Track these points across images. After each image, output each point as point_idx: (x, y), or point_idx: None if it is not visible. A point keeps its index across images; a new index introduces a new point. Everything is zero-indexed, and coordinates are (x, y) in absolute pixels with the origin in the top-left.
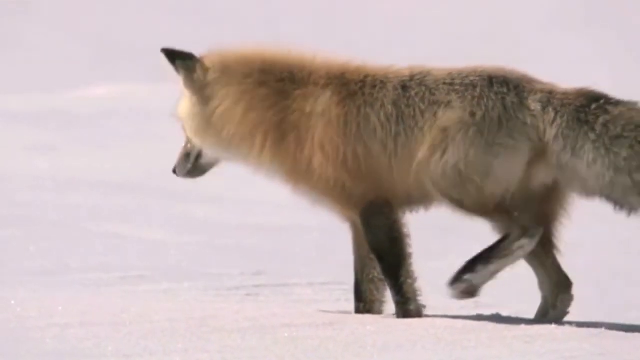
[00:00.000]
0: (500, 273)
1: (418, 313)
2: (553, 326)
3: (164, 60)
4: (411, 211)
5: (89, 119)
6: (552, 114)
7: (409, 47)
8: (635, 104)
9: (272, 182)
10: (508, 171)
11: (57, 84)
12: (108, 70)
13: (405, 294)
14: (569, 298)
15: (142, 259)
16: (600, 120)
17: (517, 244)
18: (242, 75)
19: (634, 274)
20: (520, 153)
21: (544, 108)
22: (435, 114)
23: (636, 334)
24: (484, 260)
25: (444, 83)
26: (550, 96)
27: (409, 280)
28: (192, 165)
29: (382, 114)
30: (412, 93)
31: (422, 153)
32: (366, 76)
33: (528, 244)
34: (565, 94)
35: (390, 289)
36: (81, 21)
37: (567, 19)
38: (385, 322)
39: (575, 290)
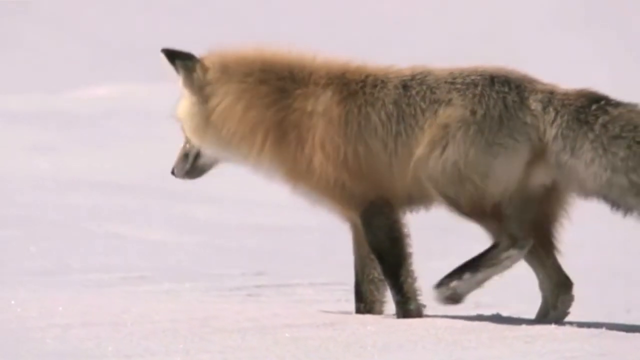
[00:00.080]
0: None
1: (418, 313)
2: (553, 326)
3: (164, 60)
4: (411, 211)
5: (89, 119)
6: (552, 114)
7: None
8: (635, 105)
9: (271, 183)
10: (507, 171)
11: (57, 84)
12: (108, 70)
13: (405, 293)
14: (569, 298)
15: (143, 259)
16: (600, 120)
17: (505, 254)
18: (242, 74)
19: (635, 274)
20: (520, 153)
21: (544, 108)
22: (435, 112)
23: (637, 334)
24: (472, 269)
25: (445, 82)
26: (551, 96)
27: (410, 280)
28: (191, 165)
29: (383, 113)
30: (413, 92)
31: (421, 149)
32: (367, 76)
33: (516, 255)
34: (566, 94)
35: (391, 289)
36: (81, 21)
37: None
38: (386, 322)
39: (575, 291)
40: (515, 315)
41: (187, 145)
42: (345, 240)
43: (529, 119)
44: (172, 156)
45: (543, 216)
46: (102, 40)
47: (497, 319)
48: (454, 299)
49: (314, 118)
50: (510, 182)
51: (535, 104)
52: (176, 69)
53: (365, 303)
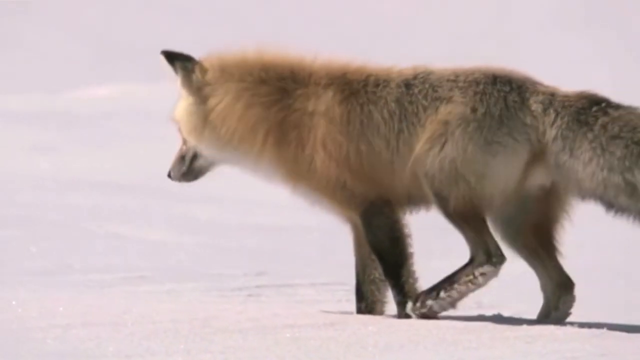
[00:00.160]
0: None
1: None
2: (554, 327)
3: (163, 61)
4: (412, 212)
5: (89, 120)
6: (552, 116)
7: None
8: (635, 108)
9: (270, 183)
10: (505, 170)
11: (57, 84)
12: (108, 70)
13: (406, 294)
14: (571, 299)
15: (143, 259)
16: (600, 121)
17: (479, 270)
18: (242, 74)
19: (635, 275)
20: (519, 153)
21: (545, 109)
22: (437, 110)
23: (638, 335)
24: (447, 287)
25: (448, 80)
26: (552, 98)
27: (411, 280)
28: (187, 167)
29: (385, 111)
30: (416, 90)
31: (420, 146)
32: (369, 75)
33: (491, 272)
34: (567, 96)
35: (392, 289)
36: (82, 21)
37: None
38: (387, 323)
39: (576, 291)
40: (516, 315)
41: (184, 147)
42: (345, 240)
43: (529, 120)
44: (172, 156)
45: (544, 217)
46: (103, 40)
47: (498, 319)
48: (429, 315)
49: (315, 118)
50: (508, 182)
51: (535, 105)
52: (175, 70)
53: (366, 303)
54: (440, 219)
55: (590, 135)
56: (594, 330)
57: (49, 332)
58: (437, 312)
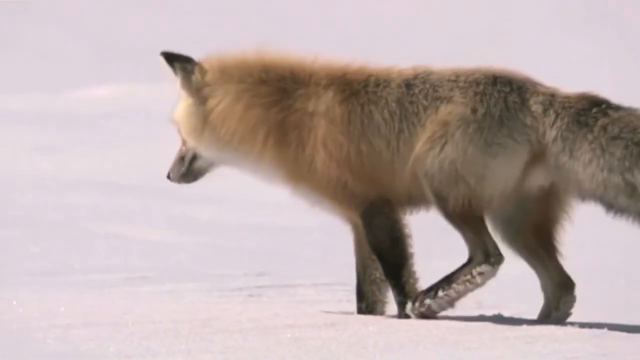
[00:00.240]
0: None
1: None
2: (555, 327)
3: (162, 63)
4: (412, 212)
5: (89, 120)
6: (552, 117)
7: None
8: (636, 110)
9: (270, 184)
10: (505, 172)
11: (57, 84)
12: (109, 70)
13: (407, 294)
14: (571, 299)
15: (144, 259)
16: (599, 122)
17: (477, 270)
18: (242, 74)
19: (636, 275)
20: (518, 154)
21: (545, 110)
22: (437, 110)
23: (638, 335)
24: (446, 287)
25: (448, 80)
26: (552, 99)
27: (411, 281)
28: (186, 168)
29: (386, 112)
30: (416, 90)
31: (420, 146)
32: (369, 76)
33: (489, 272)
34: (567, 97)
35: (392, 289)
36: (82, 21)
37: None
38: (388, 323)
39: (577, 291)
40: (516, 315)
41: (183, 148)
42: (346, 240)
43: (529, 120)
44: (173, 156)
45: (544, 218)
46: (103, 41)
47: (499, 319)
48: (427, 315)
49: (315, 118)
50: (508, 183)
51: (536, 106)
52: (174, 71)
53: (367, 303)
54: (441, 220)
55: (590, 137)
56: (594, 331)
57: (49, 332)
58: (435, 312)
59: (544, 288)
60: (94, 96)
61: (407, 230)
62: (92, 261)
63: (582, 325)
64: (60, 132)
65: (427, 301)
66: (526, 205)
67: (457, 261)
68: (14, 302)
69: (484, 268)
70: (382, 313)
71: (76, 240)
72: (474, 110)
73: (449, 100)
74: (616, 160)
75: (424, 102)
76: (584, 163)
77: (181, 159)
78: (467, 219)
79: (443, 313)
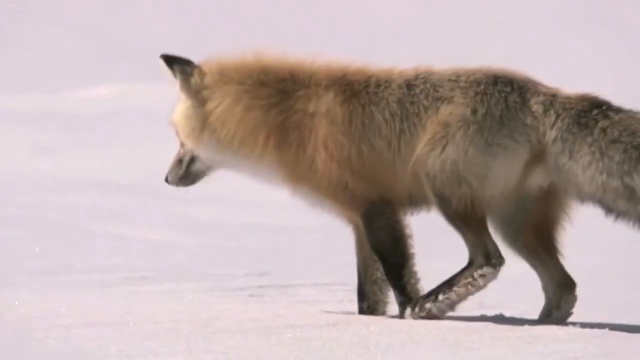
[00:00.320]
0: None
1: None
2: (556, 327)
3: (162, 66)
4: (413, 213)
5: (90, 120)
6: (553, 117)
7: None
8: (636, 113)
9: (270, 185)
10: (506, 172)
11: (57, 84)
12: (109, 70)
13: (408, 294)
14: (572, 299)
15: (144, 259)
16: (600, 125)
17: (479, 272)
18: (241, 77)
19: (636, 275)
20: (519, 154)
21: (545, 111)
22: (438, 110)
23: None
24: (447, 290)
25: (449, 80)
26: (553, 99)
27: (412, 281)
28: (184, 171)
29: (387, 112)
30: (417, 91)
31: (421, 147)
32: (370, 77)
33: (491, 274)
34: (568, 98)
35: (394, 289)
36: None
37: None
38: (389, 323)
39: (578, 292)
40: (518, 315)
41: (182, 151)
42: (347, 241)
43: (529, 121)
44: (173, 156)
45: (544, 218)
46: (103, 41)
47: (500, 319)
48: (429, 318)
49: (316, 119)
50: (508, 183)
51: (536, 106)
52: (174, 73)
53: (368, 304)
54: (441, 220)
55: (590, 139)
56: (596, 331)
57: (51, 333)
58: (436, 316)
59: (545, 288)
60: (94, 96)
61: (408, 231)
62: (93, 261)
63: (584, 325)
64: (60, 132)
65: (428, 305)
66: (526, 205)
67: (458, 261)
68: (16, 302)
69: (485, 270)
70: (383, 313)
71: (76, 241)
72: (475, 111)
73: (450, 100)
74: (615, 164)
75: (425, 102)
76: (583, 166)
77: (179, 162)
78: (468, 221)
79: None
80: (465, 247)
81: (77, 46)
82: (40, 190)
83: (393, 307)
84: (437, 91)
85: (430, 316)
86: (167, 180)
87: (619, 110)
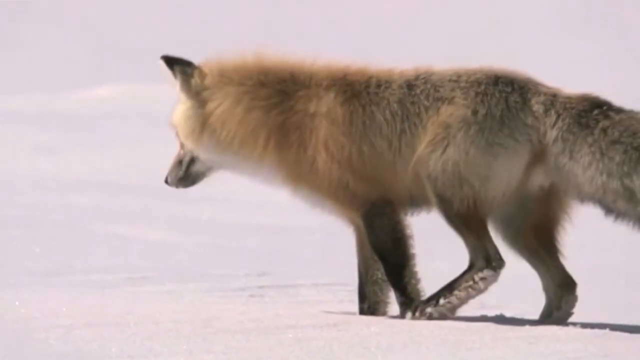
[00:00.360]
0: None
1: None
2: (557, 327)
3: (163, 66)
4: (413, 213)
5: (90, 120)
6: (554, 117)
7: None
8: (637, 113)
9: (270, 185)
10: (507, 172)
11: (58, 84)
12: (109, 70)
13: (409, 294)
14: (573, 299)
15: (145, 259)
16: (600, 125)
17: (479, 275)
18: (241, 78)
19: (636, 275)
20: (520, 154)
21: (546, 110)
22: (438, 110)
23: None
24: (447, 294)
25: (450, 80)
26: (554, 99)
27: (413, 281)
28: (184, 172)
29: (387, 112)
30: (417, 91)
31: (422, 148)
32: (370, 77)
33: (491, 277)
34: (569, 98)
35: (394, 289)
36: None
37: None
38: (390, 323)
39: (578, 292)
40: (518, 315)
41: (182, 152)
42: (347, 241)
43: (530, 120)
44: (173, 156)
45: (544, 218)
46: (103, 41)
47: (501, 319)
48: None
49: (316, 119)
50: (510, 183)
51: (537, 106)
52: (174, 73)
53: (369, 304)
54: (442, 221)
55: (590, 139)
56: (596, 331)
57: (51, 333)
58: (436, 319)
59: (546, 288)
60: (94, 96)
61: (408, 231)
62: (93, 261)
63: (584, 325)
64: (60, 132)
65: (428, 310)
66: (527, 205)
67: (458, 262)
68: (16, 303)
69: (486, 273)
70: (384, 314)
71: (77, 241)
72: (475, 112)
73: (450, 101)
74: (615, 165)
75: (426, 102)
76: (583, 166)
77: (179, 162)
78: (469, 223)
79: None
80: (466, 249)
81: (77, 46)
82: (40, 190)
83: (394, 307)
84: (438, 91)
85: (430, 320)
86: (166, 181)
87: (619, 110)
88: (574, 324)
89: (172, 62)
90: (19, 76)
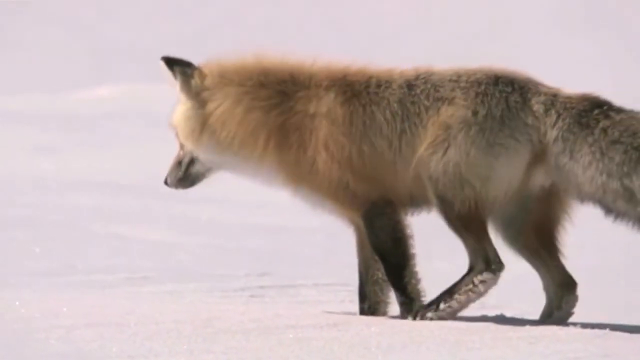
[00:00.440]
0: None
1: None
2: (557, 327)
3: (163, 67)
4: (413, 213)
5: (90, 120)
6: (554, 117)
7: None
8: (637, 113)
9: (269, 186)
10: (509, 172)
11: (58, 84)
12: (109, 71)
13: (409, 294)
14: (573, 299)
15: (145, 260)
16: (601, 125)
17: (479, 278)
18: (242, 78)
19: (636, 275)
20: (520, 153)
21: (546, 110)
22: (438, 111)
23: None
24: (448, 298)
25: (450, 80)
26: (554, 99)
27: (413, 281)
28: (183, 173)
29: (388, 112)
30: (418, 91)
31: (423, 150)
32: (370, 77)
33: (491, 280)
34: (569, 97)
35: (394, 289)
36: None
37: (568, 19)
38: (390, 324)
39: (578, 292)
40: (519, 316)
41: (181, 153)
42: (348, 241)
43: (530, 120)
44: (173, 157)
45: (545, 218)
46: (104, 41)
47: (501, 319)
48: None
49: (316, 119)
50: (511, 183)
51: (537, 106)
52: (174, 74)
53: (369, 304)
54: (442, 220)
55: (590, 139)
56: (596, 331)
57: (52, 333)
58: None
59: (546, 288)
60: (94, 96)
61: (409, 231)
62: (93, 261)
63: (584, 325)
64: (60, 132)
65: (429, 314)
66: (527, 205)
67: (459, 262)
68: (17, 303)
69: (485, 276)
70: (384, 314)
71: (77, 241)
72: (475, 113)
73: (450, 101)
74: (615, 165)
75: (426, 102)
76: (583, 166)
77: (178, 163)
78: (469, 225)
79: None
80: (465, 251)
81: (77, 46)
82: (40, 190)
83: (394, 307)
84: (438, 91)
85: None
86: (166, 182)
87: (620, 110)
88: (574, 324)
89: (172, 63)
90: (19, 76)
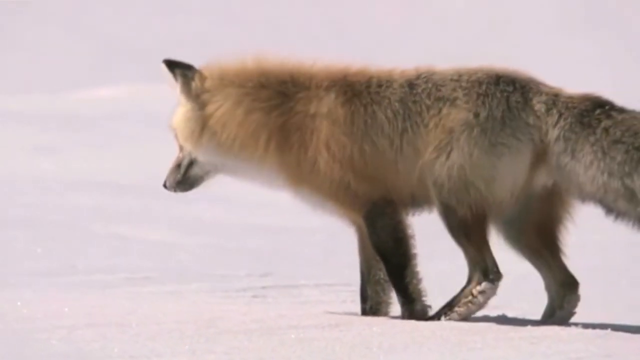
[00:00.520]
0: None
1: (424, 314)
2: (559, 327)
3: (164, 70)
4: (414, 213)
5: (91, 120)
6: (555, 116)
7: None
8: (639, 113)
9: (269, 187)
10: (512, 171)
11: (59, 84)
12: (110, 71)
13: (410, 294)
14: (575, 298)
15: (147, 260)
16: (602, 124)
17: (478, 289)
18: (242, 79)
19: (638, 275)
20: (523, 153)
21: (548, 110)
22: (440, 111)
23: None
24: (449, 311)
25: (451, 79)
26: (555, 99)
27: (414, 281)
28: (182, 175)
29: (389, 112)
30: (419, 90)
31: (427, 153)
32: (371, 77)
33: (489, 290)
34: (571, 97)
35: (396, 290)
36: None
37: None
38: (392, 324)
39: (580, 291)
40: (520, 316)
41: (180, 155)
42: (350, 241)
43: (531, 120)
44: (172, 159)
45: (547, 217)
46: (104, 41)
47: (503, 319)
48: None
49: (317, 120)
50: (516, 182)
51: (539, 105)
52: (175, 76)
53: (371, 304)
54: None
55: (592, 139)
56: (598, 331)
57: (53, 333)
58: None
59: (548, 288)
60: (95, 96)
61: (410, 231)
62: (94, 261)
63: (586, 325)
64: (60, 132)
65: None
66: (529, 204)
67: (459, 262)
68: (18, 303)
69: (484, 286)
70: (386, 314)
71: (78, 241)
72: (477, 114)
73: (452, 102)
74: (616, 165)
75: (427, 101)
76: (585, 165)
77: (177, 166)
78: (470, 233)
79: None
80: (465, 259)
81: (77, 46)
82: (40, 190)
83: (395, 307)
84: (439, 90)
85: None
86: (165, 185)
87: (621, 110)
88: (576, 324)
89: (173, 65)
90: (19, 76)
